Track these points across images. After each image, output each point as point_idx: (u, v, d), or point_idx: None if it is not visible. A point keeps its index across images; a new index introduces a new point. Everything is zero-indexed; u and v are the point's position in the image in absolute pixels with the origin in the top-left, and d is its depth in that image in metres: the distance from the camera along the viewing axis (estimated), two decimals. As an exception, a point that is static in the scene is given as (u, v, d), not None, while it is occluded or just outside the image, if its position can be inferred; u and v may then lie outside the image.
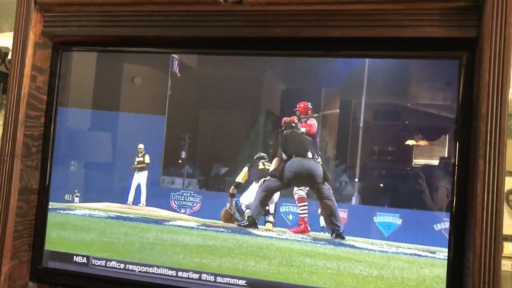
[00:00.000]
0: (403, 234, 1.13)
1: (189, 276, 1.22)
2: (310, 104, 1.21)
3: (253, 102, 1.28)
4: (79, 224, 1.33)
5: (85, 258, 1.27)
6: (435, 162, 1.14)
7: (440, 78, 1.12)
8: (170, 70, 1.30)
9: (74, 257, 1.28)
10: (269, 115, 1.25)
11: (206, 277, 1.21)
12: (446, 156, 1.12)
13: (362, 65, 1.17)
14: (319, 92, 1.22)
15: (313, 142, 1.22)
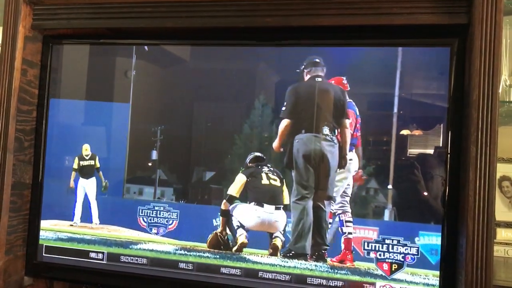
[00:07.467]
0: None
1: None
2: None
3: (245, 92, 1.12)
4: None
5: (80, 252, 1.26)
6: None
7: (432, 66, 1.08)
8: (133, 47, 1.14)
9: (69, 251, 1.26)
10: (263, 106, 1.11)
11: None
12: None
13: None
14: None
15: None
